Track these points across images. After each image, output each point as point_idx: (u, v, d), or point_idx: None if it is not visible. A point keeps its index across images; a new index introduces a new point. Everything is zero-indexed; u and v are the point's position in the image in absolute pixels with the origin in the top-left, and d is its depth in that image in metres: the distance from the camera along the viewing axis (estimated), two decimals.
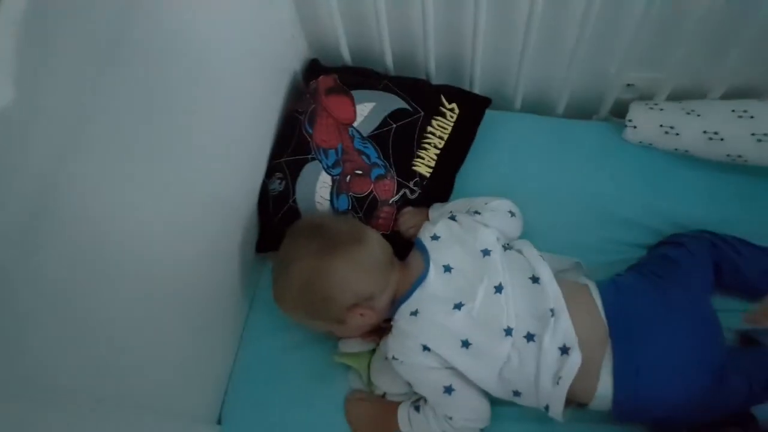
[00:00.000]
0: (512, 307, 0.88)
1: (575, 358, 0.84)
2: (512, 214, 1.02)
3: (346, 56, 1.17)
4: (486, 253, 0.92)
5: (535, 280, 0.90)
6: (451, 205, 1.05)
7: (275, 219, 1.04)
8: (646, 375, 0.84)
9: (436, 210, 1.04)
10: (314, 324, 0.98)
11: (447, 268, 0.92)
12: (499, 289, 0.88)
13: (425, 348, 0.87)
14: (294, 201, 1.03)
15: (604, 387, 0.85)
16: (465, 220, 0.98)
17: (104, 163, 0.62)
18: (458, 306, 0.88)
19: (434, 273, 0.92)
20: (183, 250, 0.83)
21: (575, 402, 0.89)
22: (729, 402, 0.86)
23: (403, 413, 0.93)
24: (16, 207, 0.52)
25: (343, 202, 1.03)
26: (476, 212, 1.00)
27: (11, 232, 0.52)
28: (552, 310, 0.86)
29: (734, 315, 0.94)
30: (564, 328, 0.86)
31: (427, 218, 1.03)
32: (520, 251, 0.95)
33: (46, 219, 0.55)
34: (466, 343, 0.87)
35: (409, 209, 1.05)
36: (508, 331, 0.86)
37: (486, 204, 1.01)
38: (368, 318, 0.93)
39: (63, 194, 0.57)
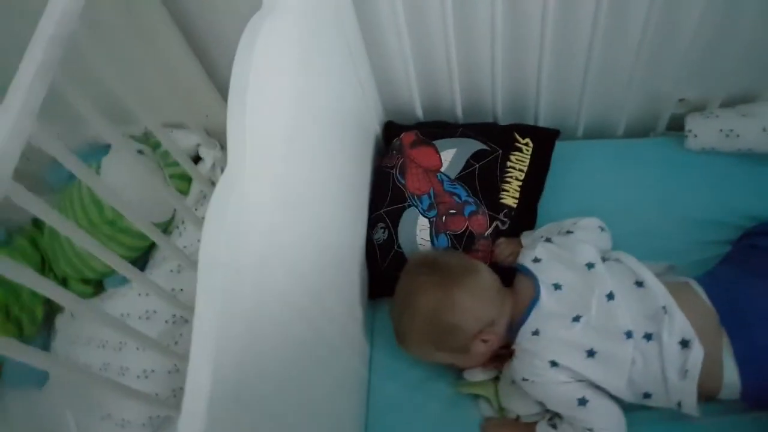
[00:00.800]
0: (626, 311, 0.94)
1: (697, 349, 0.90)
2: (602, 229, 1.10)
3: (419, 113, 1.30)
4: (590, 266, 1.00)
5: (639, 284, 0.97)
6: (542, 231, 1.14)
7: (383, 265, 1.14)
8: (766, 355, 0.90)
9: (527, 237, 1.13)
10: (438, 356, 1.05)
11: (557, 286, 1.00)
12: (610, 296, 0.96)
13: (554, 364, 0.94)
14: (398, 246, 1.13)
15: (730, 373, 0.90)
16: (561, 240, 1.06)
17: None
18: (576, 319, 0.95)
19: (545, 293, 0.99)
20: (323, 301, 0.93)
21: (705, 396, 0.93)
22: None
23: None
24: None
25: (443, 241, 1.12)
26: (569, 232, 1.08)
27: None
28: (664, 308, 0.93)
29: None
30: (679, 323, 0.92)
31: (521, 246, 1.12)
32: (618, 260, 1.03)
33: None
34: (591, 353, 0.93)
35: (502, 240, 1.14)
36: (629, 334, 0.92)
37: (575, 223, 1.10)
38: (491, 344, 1.00)
39: None
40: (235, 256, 0.60)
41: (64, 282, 1.42)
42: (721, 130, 1.16)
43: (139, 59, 1.24)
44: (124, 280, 1.37)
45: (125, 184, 1.27)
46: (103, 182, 1.25)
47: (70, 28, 0.75)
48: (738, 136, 1.15)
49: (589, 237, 1.07)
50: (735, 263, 1.04)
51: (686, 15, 1.03)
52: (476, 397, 1.06)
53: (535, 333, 0.96)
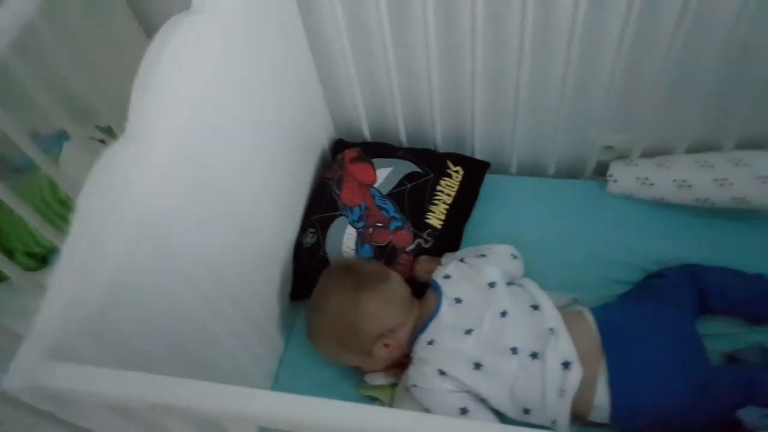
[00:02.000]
0: (516, 329, 1.01)
1: (576, 371, 0.96)
2: (514, 257, 1.17)
3: (366, 134, 1.39)
4: (492, 285, 1.07)
5: (535, 307, 1.04)
6: (461, 253, 1.21)
7: (308, 268, 1.21)
8: (637, 383, 0.96)
9: (447, 257, 1.20)
10: (345, 357, 1.11)
11: (458, 300, 1.07)
12: (503, 314, 1.03)
13: (441, 372, 1.00)
14: (324, 251, 1.20)
15: (601, 397, 0.97)
16: (472, 261, 1.14)
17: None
18: (468, 332, 1.02)
19: (446, 305, 1.06)
20: (235, 288, 0.99)
21: (580, 419, 1.00)
22: (714, 409, 0.95)
23: None
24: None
25: (367, 251, 1.19)
26: (482, 255, 1.16)
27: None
28: (551, 329, 1.00)
29: (721, 339, 1.09)
30: (564, 345, 0.98)
31: (440, 264, 1.19)
32: (521, 285, 1.10)
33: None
34: (478, 365, 0.99)
35: (424, 257, 1.20)
36: (514, 350, 0.99)
37: (490, 248, 1.17)
38: (392, 349, 1.07)
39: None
40: (115, 205, 0.66)
41: (10, 254, 1.47)
42: (638, 178, 1.24)
43: (104, 59, 1.33)
44: None
45: (81, 167, 1.34)
46: (56, 165, 1.32)
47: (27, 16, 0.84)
48: (652, 184, 1.23)
49: (499, 261, 1.14)
50: (628, 299, 1.11)
51: (602, 65, 1.13)
52: (374, 399, 1.12)
53: (431, 343, 1.03)
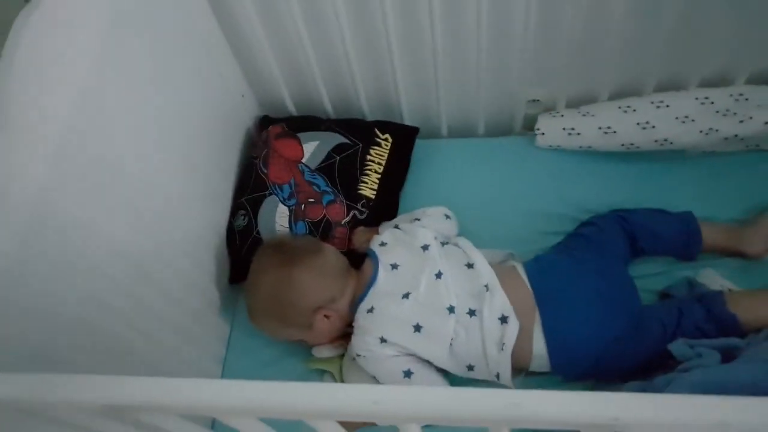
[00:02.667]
0: (452, 289, 1.02)
1: (513, 324, 0.98)
2: (447, 217, 1.17)
3: (292, 108, 1.36)
4: (425, 248, 1.07)
5: (470, 266, 1.05)
6: (397, 220, 1.20)
7: (242, 251, 1.19)
8: (570, 329, 0.98)
9: (384, 226, 1.19)
10: (287, 333, 1.10)
11: (394, 266, 1.06)
12: (438, 275, 1.03)
13: (383, 340, 1.00)
14: (257, 232, 1.18)
15: (539, 346, 0.99)
16: (406, 227, 1.13)
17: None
18: (406, 296, 1.02)
19: (383, 272, 1.06)
20: (165, 282, 0.97)
21: (522, 370, 1.02)
22: (648, 345, 0.98)
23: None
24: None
25: (301, 228, 1.18)
26: (416, 219, 1.15)
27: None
28: (486, 286, 1.01)
29: (653, 278, 1.12)
30: (499, 300, 1.00)
31: (378, 233, 1.18)
32: (456, 245, 1.10)
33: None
34: (417, 327, 1.00)
35: (360, 228, 1.20)
36: (451, 309, 0.99)
37: (424, 212, 1.17)
38: (333, 320, 1.06)
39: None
40: None
41: None
42: (564, 129, 1.25)
43: None
44: None
45: None
46: None
47: None
48: (579, 134, 1.24)
49: (432, 223, 1.14)
50: (559, 249, 1.12)
51: (516, 14, 1.11)
52: (323, 372, 1.11)
53: (370, 311, 1.02)
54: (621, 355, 0.98)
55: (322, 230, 1.18)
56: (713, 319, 0.97)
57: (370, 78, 1.28)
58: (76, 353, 0.76)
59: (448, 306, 1.00)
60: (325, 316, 1.05)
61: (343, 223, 1.19)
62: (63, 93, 0.74)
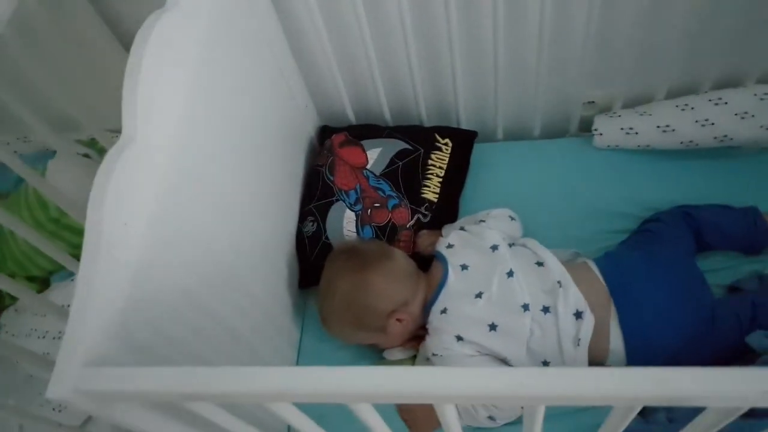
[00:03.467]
0: (525, 286, 1.03)
1: (589, 319, 0.99)
2: (512, 218, 1.20)
3: (351, 117, 1.40)
4: (494, 248, 1.09)
5: (540, 264, 1.07)
6: (459, 222, 1.23)
7: (312, 256, 1.22)
8: (647, 323, 0.99)
9: (447, 228, 1.22)
10: (361, 337, 1.13)
11: (464, 267, 1.08)
12: (510, 274, 1.05)
13: (459, 338, 1.02)
14: (326, 237, 1.21)
15: (615, 341, 1.00)
16: (473, 228, 1.15)
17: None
18: (479, 295, 1.04)
19: (453, 273, 1.08)
20: (247, 284, 1.01)
21: (595, 363, 1.03)
22: (724, 337, 0.99)
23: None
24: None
25: (368, 232, 1.21)
26: (481, 221, 1.18)
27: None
28: (559, 282, 1.02)
29: (721, 272, 1.13)
30: (573, 296, 1.01)
31: (441, 236, 1.21)
32: (524, 245, 1.12)
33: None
34: (493, 326, 1.01)
35: (424, 231, 1.22)
36: (526, 307, 1.01)
37: (488, 214, 1.19)
38: (406, 323, 1.08)
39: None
40: (122, 213, 0.66)
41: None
42: (622, 128, 1.27)
43: (79, 68, 1.32)
44: (69, 275, 1.44)
45: (70, 183, 1.33)
46: (47, 182, 1.32)
47: None
48: (637, 133, 1.25)
49: (498, 225, 1.16)
50: (628, 245, 1.14)
51: (577, 19, 1.14)
52: None
53: (444, 311, 1.04)
54: (698, 349, 0.99)
55: (388, 234, 1.21)
56: None
57: (430, 85, 1.32)
58: (173, 350, 0.80)
59: (522, 304, 1.01)
60: (398, 319, 1.08)
61: (408, 226, 1.22)
62: (172, 109, 0.78)
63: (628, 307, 1.00)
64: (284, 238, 1.21)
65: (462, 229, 1.16)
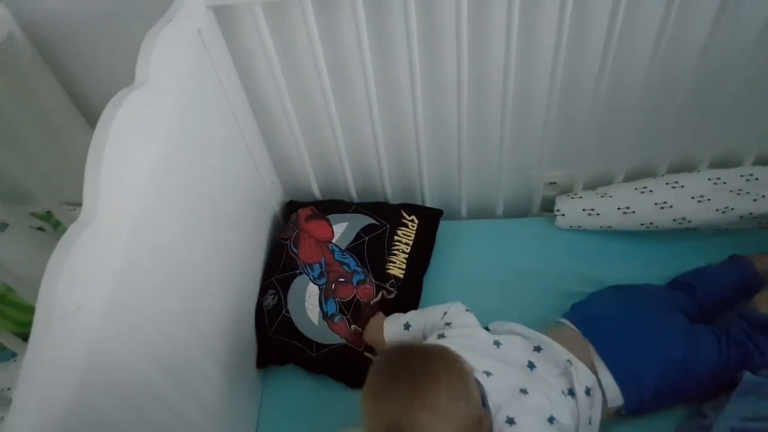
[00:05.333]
0: (551, 375, 0.99)
1: (597, 396, 0.99)
2: (467, 310, 1.11)
3: (317, 194, 1.40)
4: (497, 344, 1.03)
5: (537, 349, 1.02)
6: (408, 317, 1.13)
7: (270, 331, 1.17)
8: (625, 348, 1.01)
9: (392, 321, 1.14)
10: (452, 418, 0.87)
11: (488, 374, 0.96)
12: (531, 366, 1.00)
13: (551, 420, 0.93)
14: (287, 311, 1.17)
15: (604, 375, 1.00)
16: (454, 332, 1.05)
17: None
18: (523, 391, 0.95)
19: (486, 383, 0.94)
20: (201, 363, 0.96)
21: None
22: (708, 354, 1.01)
23: None
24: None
25: (331, 306, 1.17)
26: (447, 323, 1.07)
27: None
28: (569, 361, 1.00)
29: None
30: (582, 372, 0.99)
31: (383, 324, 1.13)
32: (512, 332, 1.06)
33: None
34: (551, 419, 0.93)
35: (369, 324, 1.16)
36: (571, 392, 0.98)
37: (447, 313, 1.09)
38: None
39: None
40: (76, 297, 0.63)
41: None
42: (584, 209, 1.29)
43: (37, 140, 1.29)
44: (11, 355, 1.35)
45: (21, 257, 1.28)
46: None
47: None
48: (598, 214, 1.28)
49: (470, 320, 1.09)
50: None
51: (536, 106, 1.19)
52: None
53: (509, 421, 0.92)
54: (686, 368, 1.00)
55: (352, 310, 1.18)
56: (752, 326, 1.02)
57: (396, 163, 1.34)
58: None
59: (568, 389, 0.98)
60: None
61: (372, 303, 1.19)
62: (135, 185, 0.77)
63: (602, 340, 1.03)
64: (244, 314, 1.17)
65: (441, 336, 1.04)
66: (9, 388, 1.25)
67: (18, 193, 1.30)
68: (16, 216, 1.33)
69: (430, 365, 0.87)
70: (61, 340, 0.60)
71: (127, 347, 0.74)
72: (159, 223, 0.83)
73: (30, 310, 1.35)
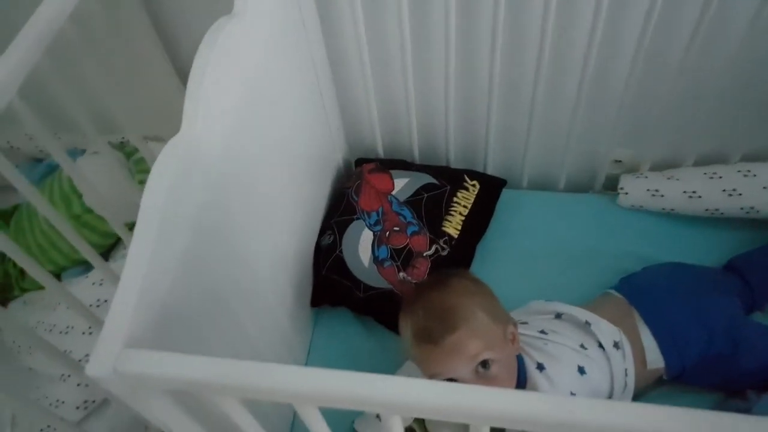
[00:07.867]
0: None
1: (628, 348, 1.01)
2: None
3: (381, 152, 1.43)
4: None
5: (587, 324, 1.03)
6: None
7: (324, 269, 1.21)
8: (669, 315, 1.03)
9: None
10: (490, 334, 0.91)
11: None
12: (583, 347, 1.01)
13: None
14: (340, 251, 1.21)
15: (647, 338, 1.02)
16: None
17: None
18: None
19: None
20: (266, 297, 1.01)
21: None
22: (759, 333, 1.02)
23: None
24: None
25: (383, 252, 1.20)
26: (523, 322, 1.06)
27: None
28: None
29: None
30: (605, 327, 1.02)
31: None
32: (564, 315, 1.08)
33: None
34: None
35: None
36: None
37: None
38: (516, 348, 0.96)
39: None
40: (177, 202, 0.67)
41: (21, 273, 1.46)
42: (648, 190, 1.27)
43: (125, 73, 1.36)
44: (80, 272, 1.43)
45: (98, 182, 1.35)
46: (82, 172, 1.33)
47: (58, 25, 0.93)
48: (663, 196, 1.26)
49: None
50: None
51: (615, 83, 1.18)
52: None
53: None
54: (736, 351, 0.99)
55: (403, 258, 1.20)
56: None
57: (463, 128, 1.35)
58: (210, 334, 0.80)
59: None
60: (513, 335, 0.95)
61: (425, 255, 1.21)
62: (228, 111, 0.82)
63: (648, 305, 1.04)
64: (304, 254, 1.21)
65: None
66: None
67: (100, 121, 1.37)
68: (99, 139, 1.40)
69: (460, 281, 0.98)
70: (162, 238, 0.65)
71: (212, 256, 0.78)
72: (243, 149, 0.88)
73: (101, 234, 1.43)
